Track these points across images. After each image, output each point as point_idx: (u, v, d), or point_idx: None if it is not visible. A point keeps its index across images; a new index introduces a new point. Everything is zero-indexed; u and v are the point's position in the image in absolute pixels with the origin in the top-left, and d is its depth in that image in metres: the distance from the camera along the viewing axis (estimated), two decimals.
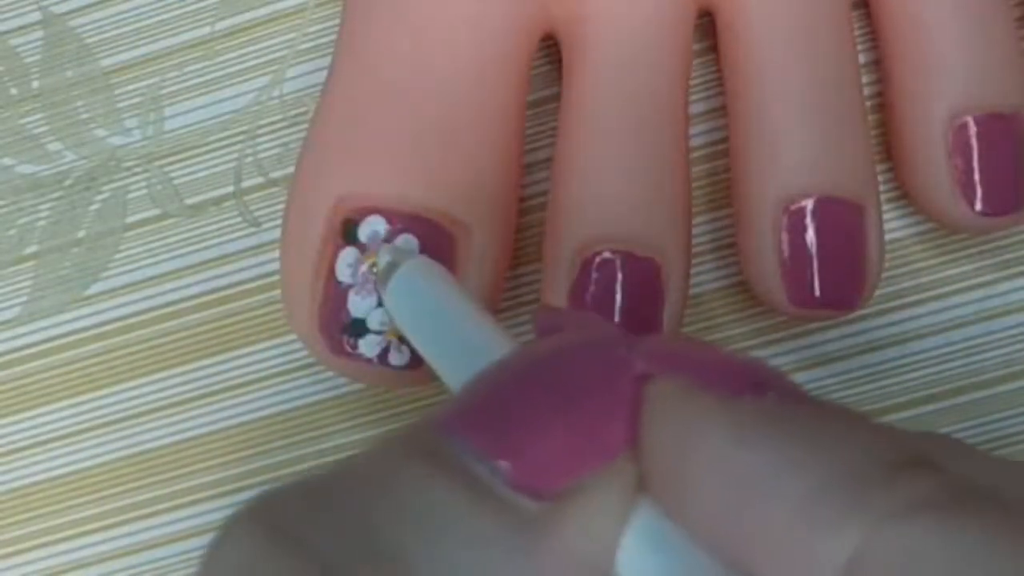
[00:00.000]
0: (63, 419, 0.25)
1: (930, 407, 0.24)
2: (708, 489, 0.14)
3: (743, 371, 0.15)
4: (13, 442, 0.25)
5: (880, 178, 0.23)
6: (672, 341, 0.17)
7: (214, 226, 0.26)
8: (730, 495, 0.14)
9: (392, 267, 0.21)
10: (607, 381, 0.15)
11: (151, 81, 0.26)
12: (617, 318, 0.21)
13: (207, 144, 0.26)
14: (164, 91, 0.26)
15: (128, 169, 0.26)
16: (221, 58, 0.26)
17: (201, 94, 0.26)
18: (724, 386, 0.15)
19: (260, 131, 0.26)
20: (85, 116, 0.26)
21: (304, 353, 0.25)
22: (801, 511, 0.13)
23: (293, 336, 0.25)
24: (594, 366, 0.15)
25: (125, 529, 0.25)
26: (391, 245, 0.21)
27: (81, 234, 0.26)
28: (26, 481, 0.25)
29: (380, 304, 0.21)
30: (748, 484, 0.13)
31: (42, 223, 0.26)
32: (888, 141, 0.24)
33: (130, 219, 0.26)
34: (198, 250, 0.25)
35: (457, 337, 0.19)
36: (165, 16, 0.26)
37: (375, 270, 0.21)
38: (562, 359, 0.16)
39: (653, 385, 0.15)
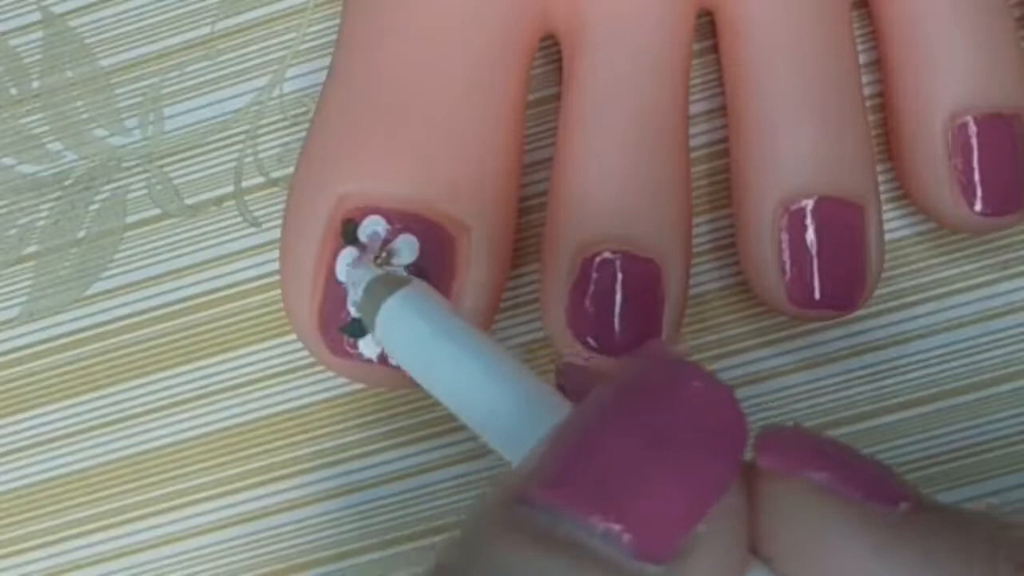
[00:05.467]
0: (63, 419, 0.25)
1: (930, 407, 0.24)
2: None
3: (873, 475, 0.15)
4: (13, 442, 0.25)
5: (880, 178, 0.23)
6: (799, 433, 0.16)
7: (214, 226, 0.26)
8: None
9: (377, 298, 0.19)
10: (717, 426, 0.14)
11: (151, 81, 0.26)
12: (617, 319, 0.21)
13: (207, 144, 0.26)
14: (164, 91, 0.26)
15: (128, 169, 0.26)
16: (221, 58, 0.26)
17: (201, 94, 0.26)
18: (857, 490, 0.14)
19: (260, 131, 0.26)
20: (85, 116, 0.26)
21: (304, 353, 0.25)
22: None
23: (293, 336, 0.25)
24: (699, 409, 0.14)
25: (125, 529, 0.25)
26: (368, 270, 0.20)
27: (81, 234, 0.26)
28: (26, 481, 0.25)
29: None
30: None
31: (42, 223, 0.26)
32: (888, 141, 0.24)
33: (130, 219, 0.26)
34: (198, 250, 0.25)
35: (483, 381, 0.17)
36: (165, 16, 0.26)
37: (354, 300, 0.20)
38: (656, 405, 0.14)
39: (782, 485, 0.14)
